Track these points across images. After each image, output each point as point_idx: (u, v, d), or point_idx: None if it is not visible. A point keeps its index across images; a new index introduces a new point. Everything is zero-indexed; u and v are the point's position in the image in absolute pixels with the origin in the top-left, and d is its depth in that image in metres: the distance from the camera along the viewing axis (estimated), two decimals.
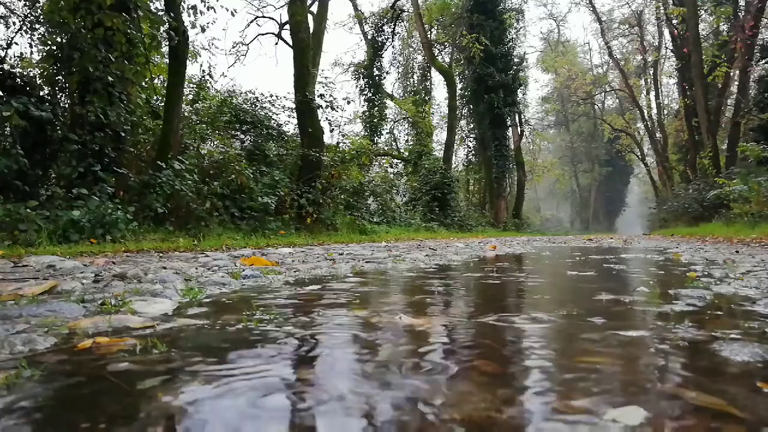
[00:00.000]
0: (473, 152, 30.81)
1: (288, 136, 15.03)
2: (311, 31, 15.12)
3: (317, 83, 15.07)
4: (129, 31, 8.27)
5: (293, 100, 13.42)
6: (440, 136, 32.68)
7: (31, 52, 9.16)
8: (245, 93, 14.89)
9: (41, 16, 8.77)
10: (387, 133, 29.57)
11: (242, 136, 13.88)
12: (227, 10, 11.52)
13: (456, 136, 28.33)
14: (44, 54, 8.21)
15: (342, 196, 14.55)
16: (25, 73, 8.26)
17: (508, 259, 5.24)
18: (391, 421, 0.78)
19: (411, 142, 28.53)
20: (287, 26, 17.55)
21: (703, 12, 24.34)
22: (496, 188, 27.81)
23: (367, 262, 4.33)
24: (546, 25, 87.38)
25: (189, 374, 1.00)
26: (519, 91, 29.22)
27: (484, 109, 26.59)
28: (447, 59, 30.22)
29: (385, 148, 28.16)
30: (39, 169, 7.53)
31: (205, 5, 10.13)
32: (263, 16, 23.12)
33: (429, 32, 26.95)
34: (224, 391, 0.89)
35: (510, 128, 29.47)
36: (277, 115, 14.97)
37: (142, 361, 1.09)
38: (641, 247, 8.09)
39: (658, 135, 35.72)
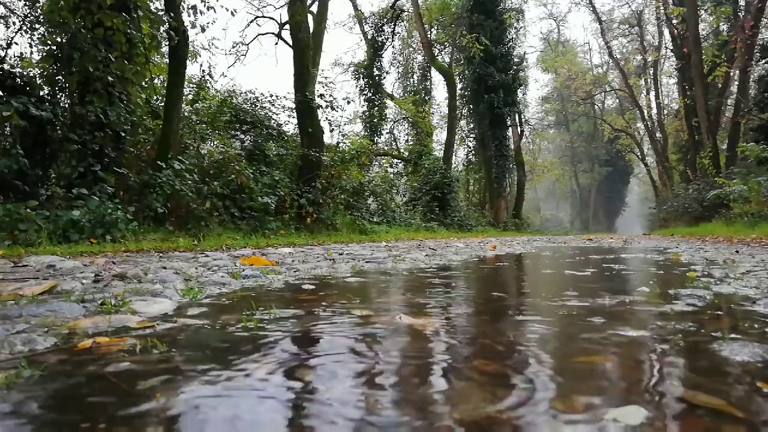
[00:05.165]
0: (473, 152, 30.78)
1: (288, 136, 15.02)
2: (311, 31, 15.11)
3: (317, 83, 15.06)
4: (129, 31, 8.26)
5: (293, 100, 13.41)
6: (440, 136, 32.68)
7: (31, 52, 9.15)
8: (245, 93, 14.89)
9: (41, 16, 8.76)
10: (387, 133, 29.59)
11: (242, 136, 13.87)
12: (227, 10, 11.51)
13: (456, 136, 28.30)
14: (44, 54, 8.20)
15: (342, 196, 14.55)
16: (25, 73, 8.25)
17: (508, 259, 5.24)
18: (391, 420, 0.78)
19: (411, 142, 28.52)
20: (287, 26, 17.53)
21: (703, 12, 24.34)
22: (496, 188, 27.79)
23: (367, 262, 4.33)
24: (546, 25, 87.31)
25: (189, 374, 1.00)
26: (519, 91, 29.19)
27: (484, 109, 26.58)
28: (447, 59, 30.20)
29: (385, 148, 28.15)
30: (39, 169, 7.53)
31: (205, 5, 10.13)
32: (263, 16, 23.08)
33: (429, 32, 26.94)
34: (224, 392, 0.89)
35: (510, 128, 29.45)
36: (277, 115, 14.98)
37: (142, 361, 1.09)
38: (641, 247, 8.09)
39: (658, 135, 35.75)
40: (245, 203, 10.39)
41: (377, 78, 27.72)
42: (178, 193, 8.66)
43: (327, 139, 14.62)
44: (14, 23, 8.98)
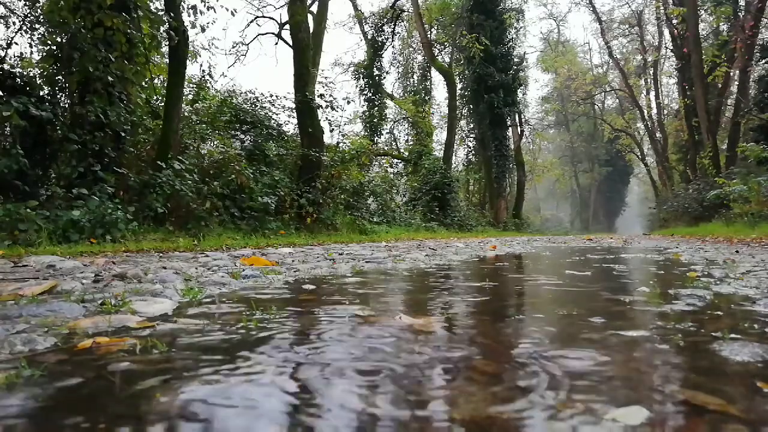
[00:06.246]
0: (473, 152, 30.80)
1: (288, 136, 15.03)
2: (311, 31, 15.11)
3: (317, 83, 15.06)
4: (129, 31, 8.26)
5: (293, 100, 13.42)
6: (440, 136, 32.70)
7: (31, 52, 9.16)
8: (245, 93, 14.90)
9: (41, 16, 8.76)
10: (387, 133, 29.60)
11: (242, 136, 13.87)
12: (227, 10, 11.51)
13: (456, 136, 28.31)
14: (44, 54, 8.20)
15: (342, 196, 14.55)
16: (25, 73, 8.25)
17: (508, 259, 5.24)
18: (391, 420, 0.78)
19: (411, 142, 28.53)
20: (287, 26, 17.53)
21: (703, 12, 24.34)
22: (496, 188, 27.79)
23: (367, 262, 4.32)
24: (546, 25, 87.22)
25: (189, 374, 1.00)
26: (519, 91, 29.20)
27: (484, 109, 26.58)
28: (447, 59, 30.20)
29: (385, 148, 28.16)
30: (39, 169, 7.53)
31: (205, 5, 10.13)
32: (263, 16, 23.10)
33: (429, 32, 26.94)
34: (224, 392, 0.89)
35: (510, 128, 29.46)
36: (277, 115, 14.99)
37: (142, 361, 1.09)
38: (641, 247, 8.09)
39: (658, 135, 35.76)
40: (245, 203, 10.39)
41: (377, 78, 27.72)
42: (178, 193, 8.66)
43: (327, 139, 14.63)
44: (14, 23, 8.99)
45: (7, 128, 7.17)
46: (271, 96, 14.90)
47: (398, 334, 1.41)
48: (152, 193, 8.33)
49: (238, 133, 13.80)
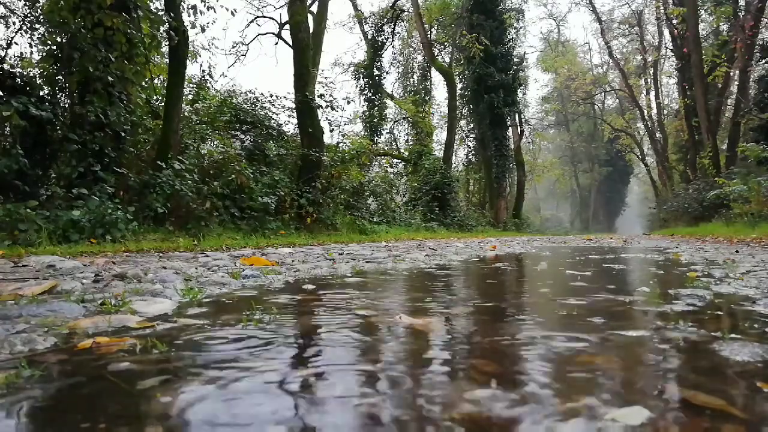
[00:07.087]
0: (473, 152, 30.80)
1: (288, 136, 15.03)
2: (311, 31, 15.12)
3: (317, 83, 15.07)
4: (129, 31, 8.26)
5: (293, 100, 13.42)
6: (440, 136, 32.72)
7: (31, 52, 9.15)
8: (245, 93, 14.91)
9: (41, 16, 8.76)
10: (387, 133, 29.61)
11: (242, 136, 13.87)
12: (227, 10, 11.52)
13: (456, 136, 28.32)
14: (44, 54, 8.19)
15: (342, 196, 14.55)
16: (25, 73, 8.24)
17: (508, 259, 5.24)
18: (391, 420, 0.78)
19: (411, 142, 28.54)
20: (287, 26, 17.54)
21: (703, 12, 24.34)
22: (496, 188, 27.79)
23: (367, 262, 4.32)
24: (546, 25, 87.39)
25: (189, 374, 1.00)
26: (519, 91, 29.20)
27: (484, 109, 26.58)
28: (447, 59, 30.22)
29: (385, 148, 28.15)
30: (39, 169, 7.52)
31: (205, 5, 10.13)
32: (263, 16, 23.14)
33: (429, 32, 26.94)
34: (224, 392, 0.89)
35: (510, 128, 29.46)
36: (277, 115, 15.00)
37: (142, 361, 1.09)
38: (641, 247, 8.09)
39: (658, 135, 35.77)
40: (245, 203, 10.39)
41: (377, 78, 27.73)
42: (178, 193, 8.66)
43: (327, 139, 14.64)
44: (14, 23, 8.98)
45: (7, 128, 7.17)
46: (271, 96, 14.92)
47: (398, 333, 1.41)
48: (152, 193, 8.33)
49: (238, 133, 13.81)
